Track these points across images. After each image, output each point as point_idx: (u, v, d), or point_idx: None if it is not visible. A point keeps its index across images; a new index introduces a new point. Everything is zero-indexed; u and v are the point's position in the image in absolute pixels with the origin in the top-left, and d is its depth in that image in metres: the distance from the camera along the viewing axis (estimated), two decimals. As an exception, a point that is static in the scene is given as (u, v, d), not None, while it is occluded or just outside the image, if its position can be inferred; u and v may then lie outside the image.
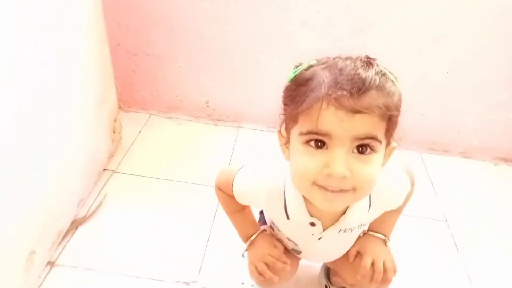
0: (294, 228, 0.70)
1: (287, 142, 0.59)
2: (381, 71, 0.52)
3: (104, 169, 1.22)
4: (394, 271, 0.72)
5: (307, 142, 0.53)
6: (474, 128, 1.40)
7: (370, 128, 0.50)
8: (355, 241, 0.75)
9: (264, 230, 0.78)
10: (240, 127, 1.46)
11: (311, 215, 0.65)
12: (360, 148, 0.52)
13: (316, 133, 0.51)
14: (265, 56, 1.33)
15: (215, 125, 1.48)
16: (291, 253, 0.79)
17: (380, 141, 0.52)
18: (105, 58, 1.14)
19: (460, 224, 1.18)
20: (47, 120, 0.87)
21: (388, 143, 0.56)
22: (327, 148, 0.52)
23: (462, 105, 1.36)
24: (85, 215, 1.07)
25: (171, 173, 1.24)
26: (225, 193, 0.74)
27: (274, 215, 0.71)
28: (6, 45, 0.71)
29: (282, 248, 0.76)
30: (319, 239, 0.68)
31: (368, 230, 0.76)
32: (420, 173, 1.35)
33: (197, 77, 1.41)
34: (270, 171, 0.68)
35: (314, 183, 0.53)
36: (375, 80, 0.50)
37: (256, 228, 0.78)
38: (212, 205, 1.13)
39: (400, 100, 0.54)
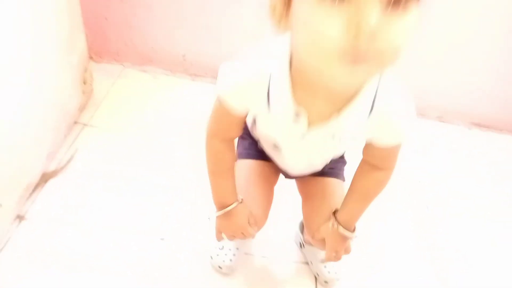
0: (275, 120, 0.60)
1: (284, 14, 0.45)
2: None
3: (75, 122, 1.17)
4: (337, 259, 0.74)
5: None
6: (450, 92, 1.41)
7: None
8: (322, 230, 0.72)
9: (241, 201, 0.72)
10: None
11: (298, 103, 0.54)
12: (391, 1, 0.38)
13: None
14: (245, 9, 1.26)
15: (193, 80, 1.42)
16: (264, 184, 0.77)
17: None
18: (72, 1, 1.05)
19: (433, 186, 1.21)
20: (11, 61, 0.80)
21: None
22: (347, 1, 0.38)
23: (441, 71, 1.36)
24: (56, 169, 1.03)
25: (145, 129, 1.20)
26: (217, 141, 0.67)
27: (255, 109, 0.61)
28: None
29: (256, 225, 0.74)
30: (302, 137, 0.59)
31: (337, 220, 0.70)
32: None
33: (174, 28, 1.33)
34: (248, 67, 0.57)
35: (343, 51, 0.39)
36: None
37: (234, 198, 0.72)
38: (184, 159, 1.11)
39: None
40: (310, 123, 0.56)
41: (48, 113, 1.00)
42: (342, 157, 0.79)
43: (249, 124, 0.72)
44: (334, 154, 0.70)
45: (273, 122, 0.61)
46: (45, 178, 1.00)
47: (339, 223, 0.70)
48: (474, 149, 1.38)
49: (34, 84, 0.91)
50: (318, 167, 0.74)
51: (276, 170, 0.78)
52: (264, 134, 0.67)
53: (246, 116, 0.63)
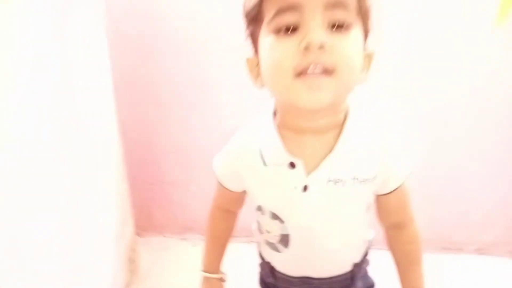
0: (274, 180, 0.59)
1: (258, 63, 0.54)
2: None
3: (123, 301, 1.24)
4: None
5: (277, 30, 0.48)
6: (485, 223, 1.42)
7: None
8: None
9: (221, 279, 0.77)
10: (253, 241, 1.50)
11: (290, 154, 0.56)
12: (334, 26, 0.48)
13: (285, 8, 0.47)
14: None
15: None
16: None
17: (352, 13, 0.49)
18: (124, 194, 1.24)
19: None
20: (66, 260, 0.93)
21: (364, 37, 0.53)
22: (299, 31, 0.47)
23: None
24: None
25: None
26: (218, 212, 0.75)
27: (252, 176, 0.62)
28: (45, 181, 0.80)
29: None
30: (304, 190, 0.57)
31: None
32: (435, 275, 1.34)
33: (209, 198, 1.49)
34: (237, 138, 0.64)
35: (294, 71, 0.47)
36: None
37: (216, 269, 0.77)
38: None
39: None
40: (307, 171, 0.56)
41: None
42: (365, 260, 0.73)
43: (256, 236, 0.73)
44: (346, 211, 0.62)
45: (272, 183, 0.59)
46: None
47: None
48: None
49: (88, 271, 1.02)
50: (342, 264, 0.68)
51: None
52: (264, 207, 0.64)
53: (243, 194, 0.69)
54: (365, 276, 0.74)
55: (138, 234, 1.51)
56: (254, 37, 0.55)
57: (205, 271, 0.78)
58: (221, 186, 0.70)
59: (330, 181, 0.56)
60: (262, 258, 0.75)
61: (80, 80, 0.95)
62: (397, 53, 1.22)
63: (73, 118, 0.92)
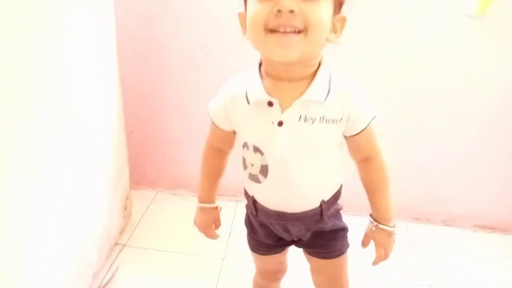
0: (255, 116, 0.70)
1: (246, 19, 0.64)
2: None
3: (116, 243, 1.35)
4: (386, 258, 0.80)
5: None
6: (454, 198, 1.54)
7: None
8: (367, 233, 0.80)
9: (216, 208, 0.87)
10: (238, 201, 1.60)
11: (269, 94, 0.67)
12: None
13: None
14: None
15: (218, 199, 1.62)
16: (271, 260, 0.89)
17: None
18: (121, 146, 1.32)
19: (443, 289, 1.27)
20: (72, 200, 1.02)
21: (337, 5, 0.63)
22: None
23: (443, 179, 1.52)
24: (99, 287, 1.17)
25: (177, 246, 1.36)
26: (211, 151, 0.83)
27: (238, 114, 0.73)
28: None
29: (217, 226, 0.88)
30: (280, 125, 0.68)
31: (375, 220, 0.79)
32: (405, 242, 1.46)
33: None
34: (228, 84, 0.75)
35: (266, 28, 0.59)
36: None
37: (210, 200, 0.87)
38: (214, 274, 1.24)
39: None
40: (282, 109, 0.67)
41: (96, 236, 1.19)
42: (337, 204, 0.82)
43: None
44: (314, 147, 0.71)
45: (254, 119, 0.70)
46: (90, 295, 1.14)
47: (376, 221, 0.78)
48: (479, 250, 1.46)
49: (87, 211, 1.12)
50: (311, 198, 0.77)
51: (283, 247, 0.89)
52: (248, 142, 0.74)
53: (233, 133, 0.78)
54: (337, 217, 0.83)
55: (131, 187, 1.60)
56: None
57: (200, 202, 0.87)
58: (214, 126, 0.79)
59: (301, 118, 0.68)
60: (247, 193, 0.83)
61: (84, 34, 1.01)
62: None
63: (76, 71, 0.99)
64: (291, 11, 0.57)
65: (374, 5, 1.27)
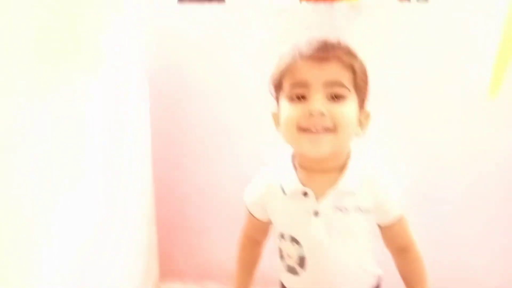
0: (291, 207, 0.74)
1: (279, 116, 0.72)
2: (339, 38, 0.70)
3: None
4: None
5: (291, 97, 0.68)
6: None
7: (336, 75, 0.66)
8: None
9: None
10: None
11: (303, 185, 0.72)
12: (333, 97, 0.66)
13: (298, 84, 0.67)
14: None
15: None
16: None
17: (348, 89, 0.67)
18: (152, 238, 1.32)
19: None
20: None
21: (361, 103, 0.70)
22: (306, 99, 0.66)
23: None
24: None
25: None
26: (247, 241, 0.85)
27: (273, 205, 0.77)
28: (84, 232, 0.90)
29: None
30: (316, 215, 0.71)
31: None
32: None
33: (230, 245, 1.55)
34: (263, 174, 0.80)
35: (299, 127, 0.66)
36: (336, 40, 0.69)
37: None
38: None
39: (362, 62, 0.71)
40: (317, 199, 0.71)
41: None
42: None
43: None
44: (350, 238, 0.74)
45: (290, 209, 0.74)
46: None
47: None
48: None
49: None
50: (343, 259, 0.76)
51: None
52: (285, 232, 0.76)
53: (269, 223, 0.80)
54: None
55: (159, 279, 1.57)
56: (277, 98, 0.75)
57: None
58: (250, 216, 0.83)
59: (336, 208, 0.72)
60: (283, 286, 0.84)
61: (124, 132, 1.09)
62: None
63: (115, 162, 1.04)
64: (322, 114, 0.65)
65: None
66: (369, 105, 0.74)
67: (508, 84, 1.11)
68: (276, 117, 0.75)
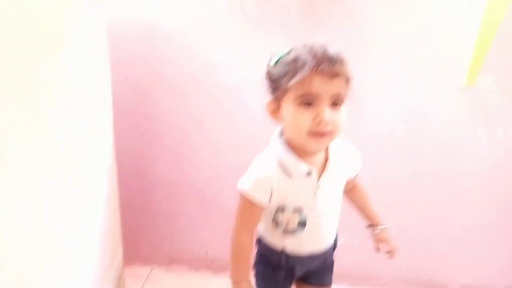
0: (297, 186, 0.86)
1: (276, 110, 0.83)
2: (337, 50, 0.79)
3: (107, 330, 1.24)
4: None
5: (300, 103, 0.78)
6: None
7: (340, 88, 0.78)
8: (376, 238, 1.00)
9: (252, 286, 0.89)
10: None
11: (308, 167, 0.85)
12: (333, 104, 0.79)
13: (309, 95, 0.77)
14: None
15: (214, 275, 1.54)
16: None
17: (344, 99, 0.80)
18: (115, 223, 1.27)
19: None
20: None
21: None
22: (313, 106, 0.78)
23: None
24: None
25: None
26: (244, 234, 0.88)
27: (281, 186, 0.85)
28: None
29: None
30: (318, 189, 0.87)
31: (374, 225, 1.01)
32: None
33: (197, 230, 1.53)
34: (261, 162, 0.87)
35: (308, 131, 0.78)
36: (339, 55, 0.78)
37: (247, 277, 0.89)
38: None
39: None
40: (318, 175, 0.87)
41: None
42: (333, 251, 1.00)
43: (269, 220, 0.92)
44: (337, 203, 0.94)
45: (295, 188, 0.86)
46: None
47: (377, 225, 1.01)
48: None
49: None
50: (332, 236, 0.96)
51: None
52: (288, 205, 0.87)
53: (264, 208, 0.87)
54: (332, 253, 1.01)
55: (124, 263, 1.52)
56: (277, 95, 0.83)
57: (238, 280, 0.88)
58: (250, 205, 0.86)
59: (332, 181, 0.90)
60: (271, 250, 0.94)
61: (80, 107, 1.01)
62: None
63: (70, 143, 0.97)
64: (327, 123, 0.78)
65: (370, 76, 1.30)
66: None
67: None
68: (272, 108, 0.85)
